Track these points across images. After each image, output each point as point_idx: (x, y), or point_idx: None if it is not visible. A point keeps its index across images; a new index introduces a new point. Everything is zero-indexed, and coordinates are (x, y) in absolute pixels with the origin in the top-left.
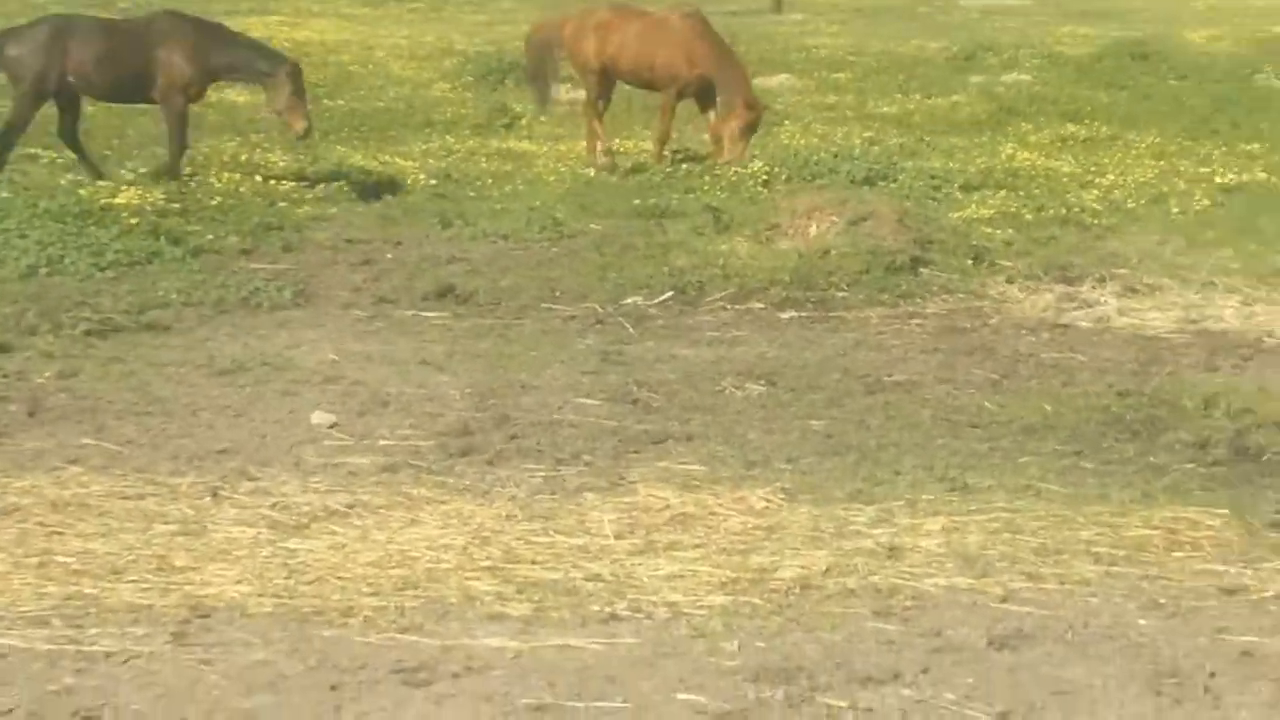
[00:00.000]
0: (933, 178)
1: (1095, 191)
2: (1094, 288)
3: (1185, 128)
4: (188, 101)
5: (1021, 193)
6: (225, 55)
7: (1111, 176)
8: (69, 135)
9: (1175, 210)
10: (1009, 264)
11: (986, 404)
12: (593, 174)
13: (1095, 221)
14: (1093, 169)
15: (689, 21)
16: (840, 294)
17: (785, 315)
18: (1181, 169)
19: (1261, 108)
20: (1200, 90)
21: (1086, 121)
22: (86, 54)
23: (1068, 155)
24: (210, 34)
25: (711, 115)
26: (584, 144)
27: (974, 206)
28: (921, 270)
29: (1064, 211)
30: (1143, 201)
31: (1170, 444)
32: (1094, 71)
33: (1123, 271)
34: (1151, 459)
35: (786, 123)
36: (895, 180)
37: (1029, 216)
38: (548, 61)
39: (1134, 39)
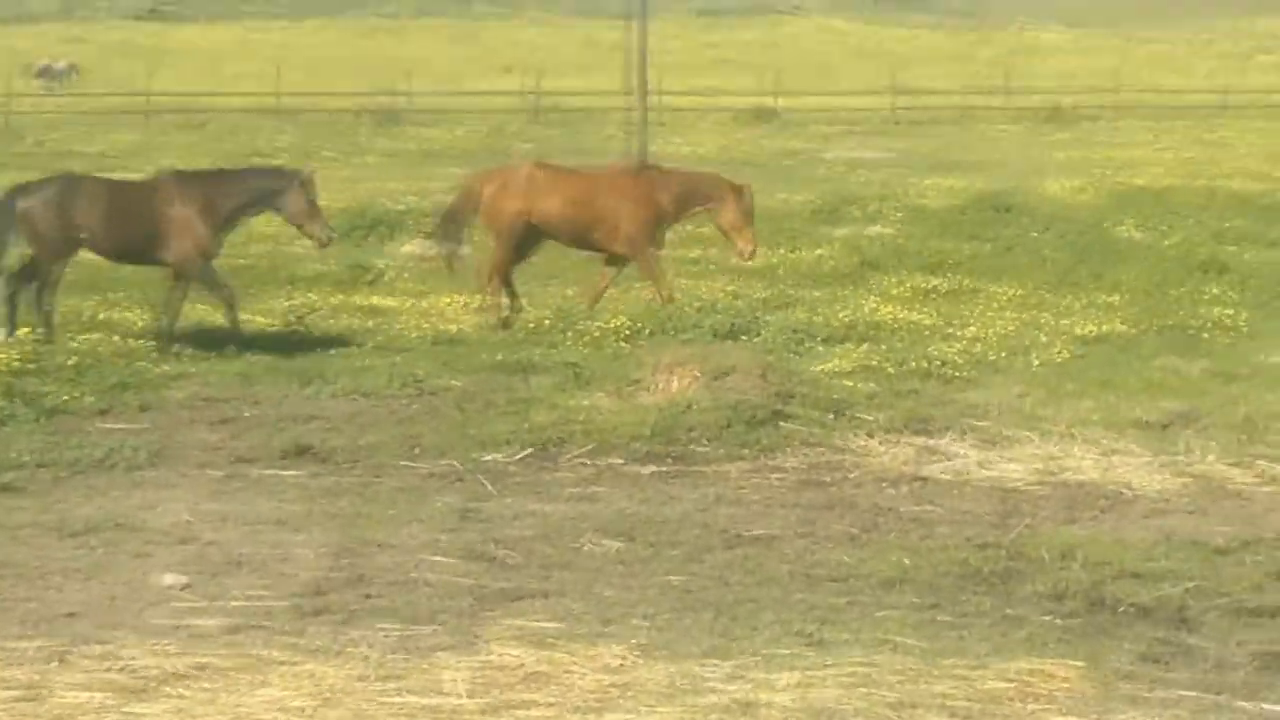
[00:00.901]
0: (795, 331)
1: (957, 344)
2: (954, 440)
3: (1046, 279)
4: (207, 261)
5: (883, 346)
6: (234, 198)
7: (973, 329)
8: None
9: (1036, 362)
10: (870, 417)
11: (845, 558)
12: (454, 330)
13: (956, 374)
14: (954, 321)
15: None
16: (701, 448)
17: (645, 470)
18: (1042, 321)
19: (1121, 259)
20: (1061, 242)
21: (948, 274)
22: (95, 213)
23: (929, 308)
24: (210, 182)
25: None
26: (445, 300)
27: (836, 360)
28: (783, 424)
29: (925, 364)
30: (1003, 354)
31: (1027, 596)
32: (956, 224)
33: (983, 424)
34: (1008, 611)
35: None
36: (758, 334)
37: (890, 369)
38: (464, 218)
39: (996, 191)
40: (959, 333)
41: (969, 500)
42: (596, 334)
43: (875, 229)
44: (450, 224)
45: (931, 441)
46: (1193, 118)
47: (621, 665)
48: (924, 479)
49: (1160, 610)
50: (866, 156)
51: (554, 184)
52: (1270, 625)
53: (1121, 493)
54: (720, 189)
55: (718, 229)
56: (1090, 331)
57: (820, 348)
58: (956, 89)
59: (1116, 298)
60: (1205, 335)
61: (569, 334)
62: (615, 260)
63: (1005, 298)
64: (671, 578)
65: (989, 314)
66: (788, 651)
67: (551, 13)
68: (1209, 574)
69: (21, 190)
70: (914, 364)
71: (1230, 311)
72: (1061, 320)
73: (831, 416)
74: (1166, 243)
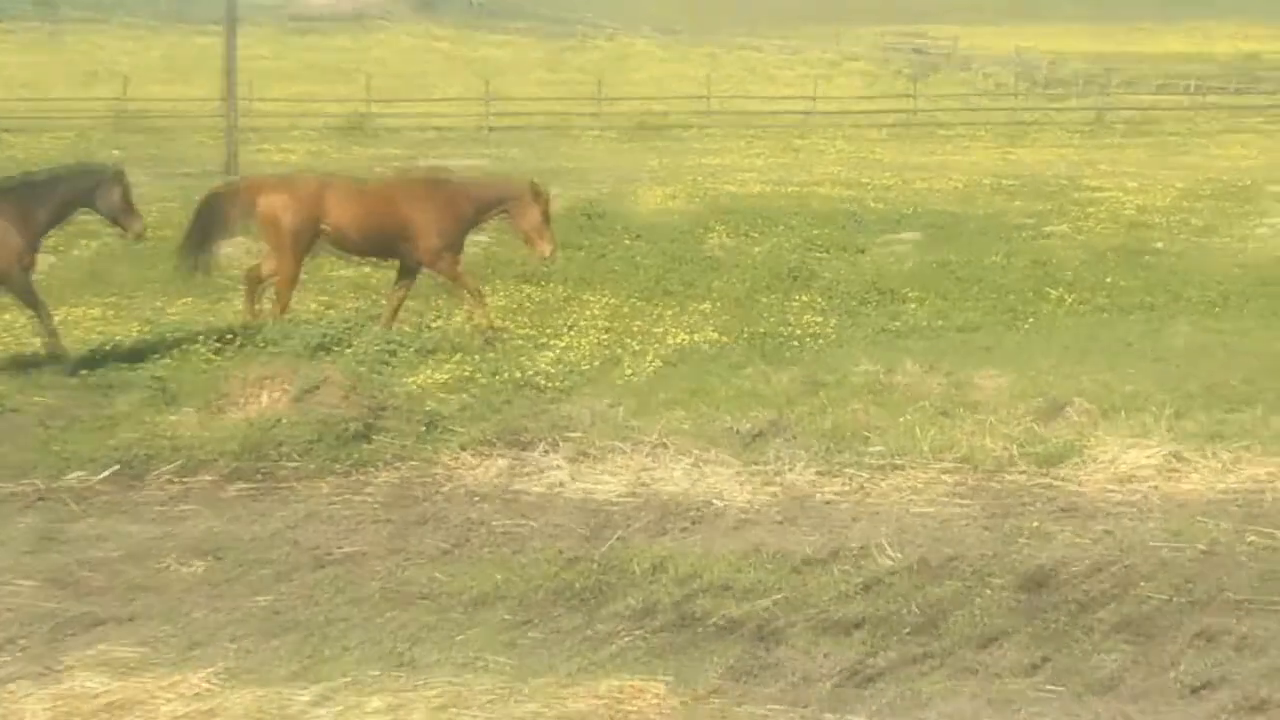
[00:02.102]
0: (388, 343)
1: (549, 355)
2: (546, 453)
3: (639, 288)
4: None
5: (476, 357)
6: (50, 203)
7: (566, 339)
8: None
9: (628, 372)
10: (462, 430)
11: (437, 574)
12: (39, 342)
13: (549, 385)
14: (548, 332)
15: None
16: (291, 465)
17: (233, 488)
18: (635, 330)
19: (712, 267)
20: (654, 250)
21: (542, 283)
22: None
23: (523, 318)
24: (20, 193)
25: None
26: (22, 317)
27: (428, 372)
28: (374, 439)
29: (518, 376)
30: (596, 364)
31: (617, 612)
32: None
33: (575, 435)
34: (599, 627)
35: (240, 288)
36: (349, 347)
37: (483, 381)
38: (222, 226)
39: (589, 198)
40: (552, 343)
41: (561, 514)
42: (184, 348)
43: (469, 237)
44: (208, 231)
45: (524, 454)
46: (782, 125)
47: (206, 692)
48: (516, 493)
49: (748, 624)
50: (460, 164)
51: (349, 196)
52: (855, 637)
53: (711, 504)
54: (519, 191)
55: (516, 232)
56: (682, 341)
57: (412, 359)
58: (549, 96)
59: (708, 306)
60: (794, 343)
61: (157, 350)
62: (407, 273)
63: (598, 307)
64: (259, 598)
65: (582, 323)
66: (377, 673)
67: (140, 19)
68: (796, 586)
69: None
70: (506, 376)
71: (818, 319)
72: (654, 329)
73: (423, 430)
74: (756, 250)
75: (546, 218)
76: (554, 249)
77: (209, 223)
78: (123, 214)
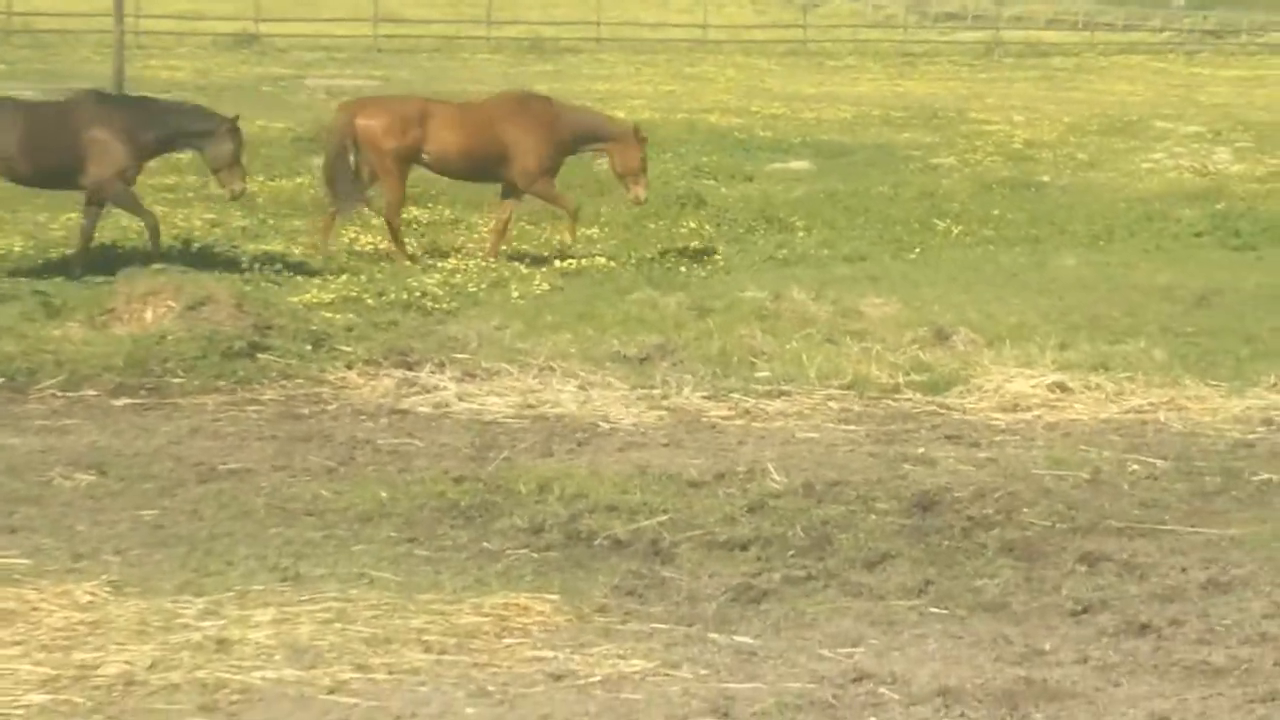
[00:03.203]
0: (274, 261)
1: (437, 275)
2: (433, 373)
3: (527, 211)
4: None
5: (363, 276)
6: (156, 129)
7: (454, 260)
8: None
9: (516, 295)
10: (349, 349)
11: (323, 491)
12: None
13: (436, 306)
14: (435, 252)
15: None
16: (176, 380)
17: (119, 403)
18: (523, 252)
19: (602, 191)
20: None
21: (430, 204)
22: (8, 138)
23: (411, 238)
24: (138, 109)
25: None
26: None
27: (315, 291)
28: (260, 355)
29: (405, 296)
30: (484, 286)
31: (504, 529)
32: None
33: (462, 356)
34: (485, 545)
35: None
36: (237, 263)
37: (370, 301)
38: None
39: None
40: (440, 264)
41: (448, 433)
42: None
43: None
44: (341, 171)
45: (411, 374)
46: (673, 51)
47: (92, 602)
48: (403, 412)
49: (635, 543)
50: (348, 85)
51: (451, 119)
52: (741, 557)
53: (599, 426)
54: (622, 132)
55: (612, 170)
56: (569, 265)
57: (299, 278)
58: (439, 18)
59: (595, 230)
60: (682, 268)
61: (40, 261)
62: (511, 192)
63: (486, 229)
64: (144, 512)
65: (470, 245)
66: (262, 587)
67: None
68: (683, 507)
69: None
70: (394, 295)
71: (707, 245)
72: (542, 252)
73: (310, 348)
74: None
75: (644, 163)
76: (646, 195)
77: (333, 161)
78: (227, 169)
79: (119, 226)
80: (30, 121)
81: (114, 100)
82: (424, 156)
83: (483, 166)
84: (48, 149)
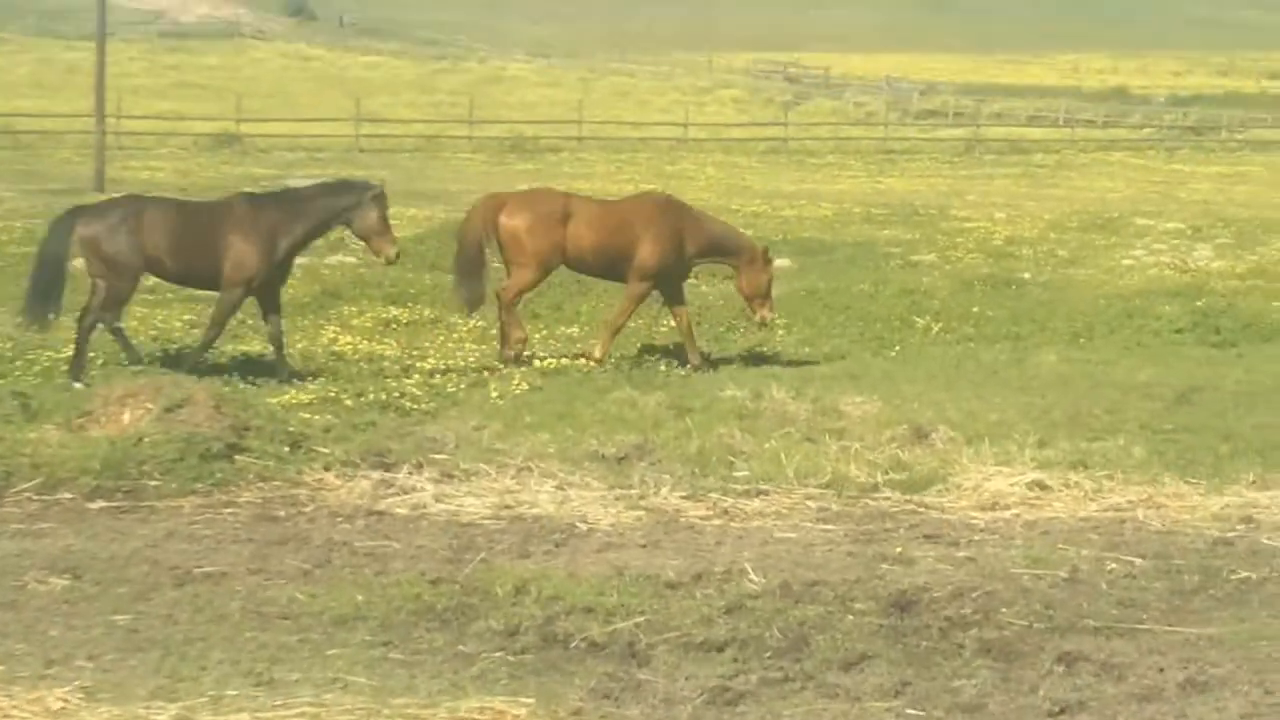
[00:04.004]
0: (252, 361)
1: (416, 376)
2: (412, 474)
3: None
4: (248, 293)
5: (342, 377)
6: (305, 221)
7: (433, 360)
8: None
9: (495, 395)
10: (327, 450)
11: (298, 594)
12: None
13: (415, 406)
14: (415, 353)
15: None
16: (153, 482)
17: (95, 506)
18: (498, 353)
19: (581, 290)
20: None
21: (410, 304)
22: (161, 236)
23: (390, 339)
24: (287, 206)
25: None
26: None
27: (293, 391)
28: (238, 457)
29: (384, 396)
30: (463, 386)
31: (481, 632)
32: (418, 254)
33: (440, 457)
34: (461, 648)
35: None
36: (215, 364)
37: (349, 402)
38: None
39: (455, 221)
40: (419, 364)
41: (425, 535)
42: (47, 363)
43: (336, 257)
44: (469, 262)
45: (389, 475)
46: (654, 150)
47: (64, 709)
48: (380, 513)
49: (612, 645)
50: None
51: (591, 216)
52: (718, 659)
53: (576, 526)
54: (750, 250)
55: (737, 287)
56: (549, 364)
57: (75, 385)
58: (421, 118)
59: (576, 329)
60: (662, 367)
61: (18, 363)
62: (674, 298)
63: (466, 329)
64: (118, 617)
65: (449, 345)
66: (236, 692)
67: (9, 33)
68: (660, 608)
69: (83, 213)
70: (373, 396)
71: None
72: (522, 352)
73: (288, 450)
74: None
75: (770, 285)
76: (773, 315)
77: (466, 254)
78: (377, 235)
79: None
80: (181, 221)
81: (263, 201)
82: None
83: (615, 265)
84: (194, 250)
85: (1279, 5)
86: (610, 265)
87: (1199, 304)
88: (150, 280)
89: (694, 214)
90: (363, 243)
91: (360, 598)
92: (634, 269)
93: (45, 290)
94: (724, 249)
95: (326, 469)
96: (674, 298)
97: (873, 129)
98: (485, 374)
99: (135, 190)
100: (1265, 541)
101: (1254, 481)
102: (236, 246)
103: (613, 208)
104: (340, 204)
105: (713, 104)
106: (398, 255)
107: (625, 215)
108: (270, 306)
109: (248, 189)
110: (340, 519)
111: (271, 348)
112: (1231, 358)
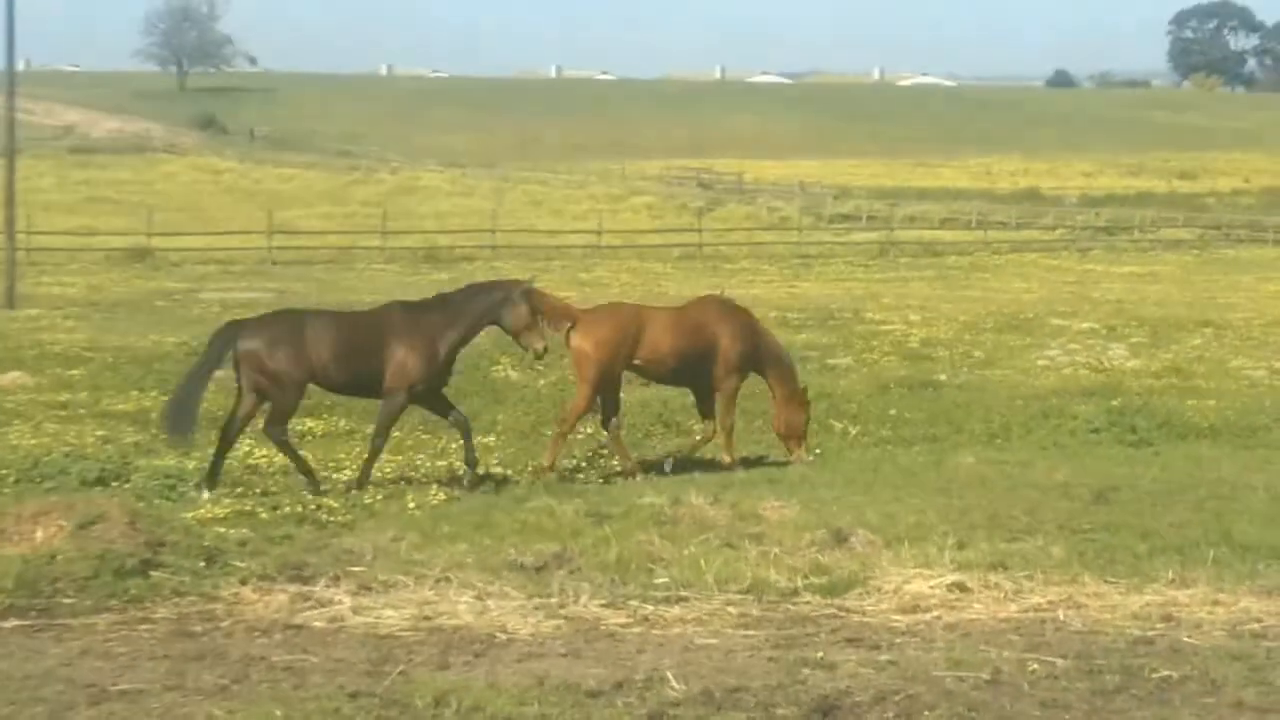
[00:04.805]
0: (167, 476)
1: (333, 488)
2: (328, 587)
3: (422, 419)
4: (411, 398)
5: (259, 490)
6: (461, 324)
7: (350, 472)
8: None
9: (412, 505)
10: (243, 564)
11: (216, 710)
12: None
13: (332, 519)
14: (331, 464)
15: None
16: (67, 600)
17: (8, 624)
18: (419, 463)
19: (498, 398)
20: None
21: (325, 416)
22: (324, 348)
23: (306, 450)
24: (442, 310)
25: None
26: None
27: (209, 505)
28: (153, 573)
29: (301, 509)
30: (380, 497)
31: None
32: None
33: (358, 569)
34: None
35: (16, 422)
36: (129, 480)
37: (265, 515)
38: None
39: None
40: (336, 476)
41: (343, 648)
42: None
43: None
44: None
45: (306, 588)
46: (569, 257)
47: None
48: (298, 627)
49: None
50: (243, 297)
51: (664, 326)
52: None
53: (496, 636)
54: (782, 362)
55: (771, 395)
56: (466, 474)
57: (193, 493)
58: (334, 229)
59: (493, 438)
60: (580, 476)
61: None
62: (709, 410)
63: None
64: None
65: (366, 456)
66: None
67: None
68: (581, 717)
69: (245, 327)
70: (289, 509)
71: (604, 451)
72: (439, 462)
73: (203, 564)
74: (542, 382)
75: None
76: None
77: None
78: (527, 331)
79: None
80: (343, 332)
81: (419, 307)
82: (635, 362)
83: (689, 371)
84: (357, 359)
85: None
86: (685, 372)
87: (1114, 403)
88: (63, 395)
89: (749, 314)
90: (513, 338)
91: (278, 713)
92: (719, 373)
93: (191, 403)
94: (768, 356)
95: (243, 583)
96: (708, 410)
97: (786, 233)
98: (402, 485)
99: (48, 307)
100: (1185, 639)
101: (1173, 580)
102: (399, 354)
103: (682, 314)
104: (491, 301)
105: (626, 211)
106: (545, 349)
107: (697, 320)
108: (441, 408)
109: (400, 298)
110: (257, 633)
111: (461, 438)
112: (1148, 456)
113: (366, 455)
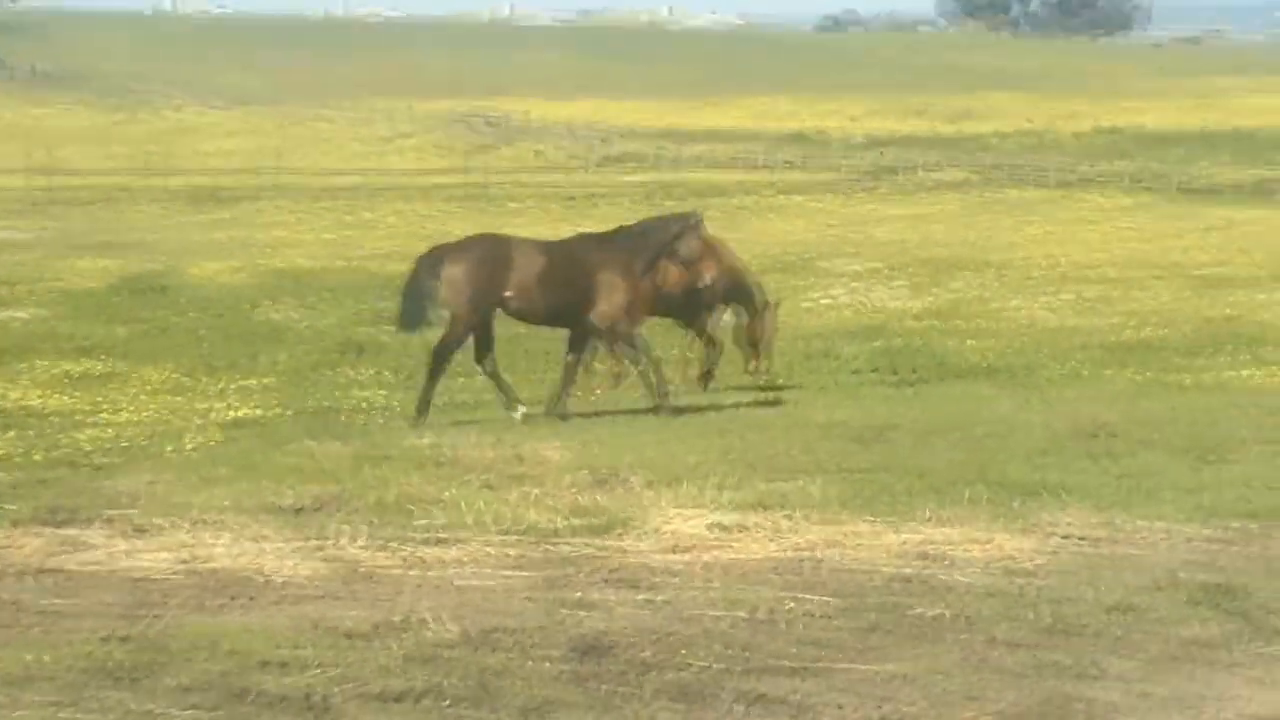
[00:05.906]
0: None
1: (97, 430)
2: (94, 530)
3: (198, 362)
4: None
5: (31, 432)
6: (645, 254)
7: (124, 414)
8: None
9: (188, 446)
10: (13, 507)
11: None
12: None
13: (102, 461)
14: (104, 407)
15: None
16: None
17: None
18: (193, 405)
19: (272, 341)
20: (215, 324)
21: (99, 357)
22: (528, 275)
23: (78, 393)
24: (627, 241)
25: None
26: None
27: None
28: None
29: (69, 452)
30: (151, 439)
31: (158, 689)
32: (107, 306)
33: (125, 512)
34: (142, 705)
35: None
36: None
37: (36, 457)
38: None
39: (149, 272)
40: (108, 418)
41: (103, 591)
42: None
43: (19, 312)
44: None
45: (71, 532)
46: (342, 199)
47: None
48: (54, 570)
49: (296, 697)
50: (8, 238)
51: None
52: (406, 709)
53: (259, 578)
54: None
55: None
56: (239, 415)
57: None
58: (106, 169)
59: (269, 380)
60: (359, 417)
61: None
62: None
63: (157, 381)
64: None
65: (141, 398)
66: None
67: None
68: (340, 660)
69: (441, 255)
70: (57, 452)
71: (383, 393)
72: (213, 404)
73: None
74: (323, 323)
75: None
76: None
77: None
78: (700, 259)
79: None
80: (549, 259)
81: (607, 238)
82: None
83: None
84: (562, 287)
85: (975, 47)
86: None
87: (877, 344)
88: None
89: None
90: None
91: (29, 658)
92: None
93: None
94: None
95: (14, 526)
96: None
97: (571, 175)
98: (170, 426)
99: None
100: (942, 577)
101: (931, 518)
102: (605, 280)
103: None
104: (666, 236)
105: (411, 151)
106: (716, 278)
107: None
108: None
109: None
110: (10, 577)
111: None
112: (909, 397)
113: (647, 386)
